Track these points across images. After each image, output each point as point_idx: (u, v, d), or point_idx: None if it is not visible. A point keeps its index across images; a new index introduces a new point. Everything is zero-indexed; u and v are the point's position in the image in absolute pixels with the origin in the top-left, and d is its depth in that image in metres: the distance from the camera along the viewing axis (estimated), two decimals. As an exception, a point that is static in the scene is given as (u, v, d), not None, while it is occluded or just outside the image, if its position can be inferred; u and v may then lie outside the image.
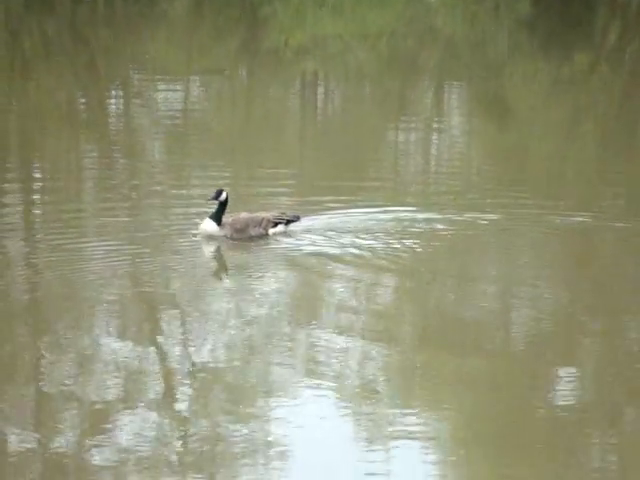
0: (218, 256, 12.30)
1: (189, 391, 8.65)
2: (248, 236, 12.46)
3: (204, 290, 10.96)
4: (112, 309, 10.38)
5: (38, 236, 12.75)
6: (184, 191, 14.80)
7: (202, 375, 8.93)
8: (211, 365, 9.12)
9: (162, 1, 37.40)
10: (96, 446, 7.75)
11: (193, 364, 9.12)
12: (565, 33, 33.98)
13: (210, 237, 12.34)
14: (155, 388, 8.67)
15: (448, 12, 37.44)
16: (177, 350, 9.39)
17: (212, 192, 12.60)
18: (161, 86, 24.68)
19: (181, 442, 7.85)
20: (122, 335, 9.78)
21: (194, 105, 23.15)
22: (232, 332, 9.82)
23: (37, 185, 15.70)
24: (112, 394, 8.52)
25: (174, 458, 7.66)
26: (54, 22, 34.00)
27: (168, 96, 23.44)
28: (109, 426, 8.03)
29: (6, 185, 15.31)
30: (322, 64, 29.45)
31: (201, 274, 11.46)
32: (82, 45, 30.62)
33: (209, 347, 9.49)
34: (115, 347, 9.41)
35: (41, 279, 11.03)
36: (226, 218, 12.51)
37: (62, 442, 7.85)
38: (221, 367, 9.11)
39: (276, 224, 12.64)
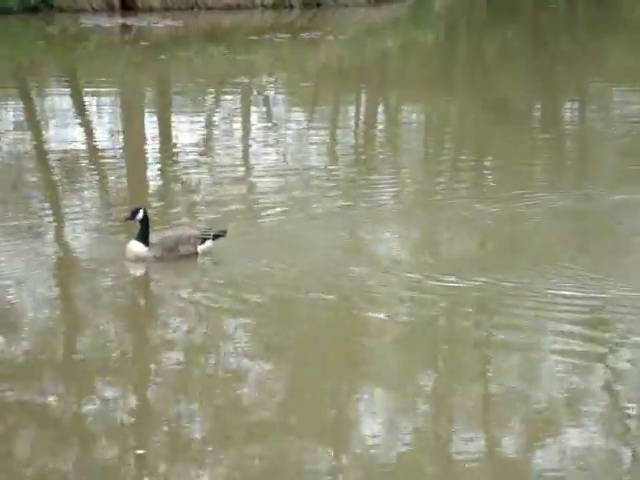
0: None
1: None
2: (178, 255, 11.70)
3: None
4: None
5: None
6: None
7: None
8: None
9: (625, 7, 36.52)
10: (542, 453, 7.68)
11: None
12: None
13: (138, 259, 11.59)
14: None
15: None
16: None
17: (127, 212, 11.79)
18: (618, 94, 24.15)
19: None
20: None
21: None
22: None
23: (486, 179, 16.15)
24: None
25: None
26: (515, 28, 34.34)
27: (624, 106, 22.89)
28: (554, 432, 7.95)
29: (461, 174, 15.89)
30: None
31: None
32: (541, 50, 30.65)
33: None
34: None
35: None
36: (153, 237, 11.68)
37: (507, 445, 7.86)
38: None
39: (203, 240, 11.78)
